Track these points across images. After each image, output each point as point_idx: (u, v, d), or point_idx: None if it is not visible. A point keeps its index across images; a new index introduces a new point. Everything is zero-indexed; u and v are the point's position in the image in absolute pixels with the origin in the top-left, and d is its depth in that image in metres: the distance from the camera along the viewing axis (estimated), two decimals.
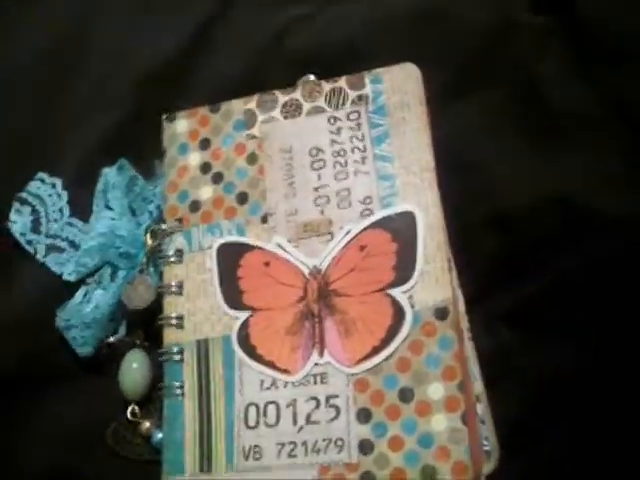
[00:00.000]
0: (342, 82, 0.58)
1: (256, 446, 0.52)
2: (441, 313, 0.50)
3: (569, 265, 0.55)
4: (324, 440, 0.50)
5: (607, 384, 0.52)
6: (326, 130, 0.57)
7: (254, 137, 0.59)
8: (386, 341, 0.51)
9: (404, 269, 0.52)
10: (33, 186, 0.64)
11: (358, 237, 0.54)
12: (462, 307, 0.54)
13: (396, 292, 0.52)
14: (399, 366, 0.50)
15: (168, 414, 0.55)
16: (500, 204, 0.58)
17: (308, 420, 0.51)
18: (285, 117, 0.59)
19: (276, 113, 0.59)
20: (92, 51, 0.70)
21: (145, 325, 0.59)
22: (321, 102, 0.58)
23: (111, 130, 0.66)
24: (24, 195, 0.64)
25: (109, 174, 0.62)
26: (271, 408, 0.52)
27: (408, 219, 0.53)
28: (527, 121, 0.60)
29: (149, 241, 0.59)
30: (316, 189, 0.56)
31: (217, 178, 0.58)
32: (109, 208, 0.61)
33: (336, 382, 0.51)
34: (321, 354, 0.52)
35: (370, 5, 0.66)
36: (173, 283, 0.57)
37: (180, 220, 0.58)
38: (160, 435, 0.56)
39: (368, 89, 0.57)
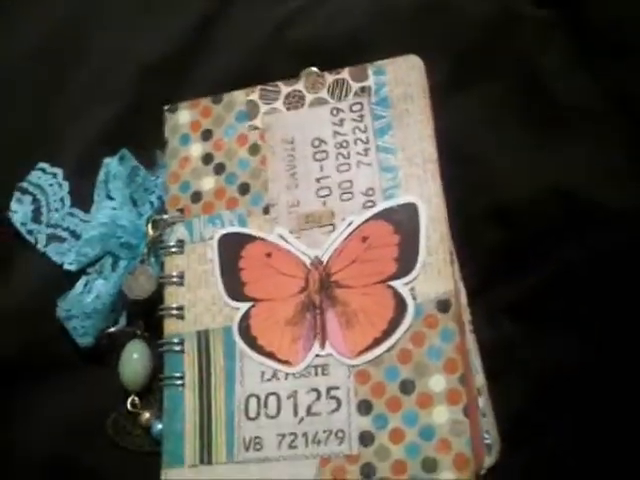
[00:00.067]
0: (345, 74, 0.58)
1: (256, 437, 0.52)
2: (443, 305, 0.50)
3: (571, 258, 0.55)
4: (325, 432, 0.50)
5: (609, 376, 0.52)
6: (329, 121, 0.57)
7: (256, 128, 0.59)
8: (388, 333, 0.51)
9: (406, 261, 0.52)
10: (34, 176, 0.64)
11: (360, 228, 0.54)
12: (464, 299, 0.54)
13: (398, 284, 0.52)
14: (400, 358, 0.50)
15: (168, 405, 0.55)
16: (501, 197, 0.58)
17: (309, 411, 0.51)
18: (288, 108, 0.58)
19: (279, 104, 0.59)
20: (93, 45, 0.70)
21: (146, 315, 0.59)
22: (324, 93, 0.58)
23: (111, 122, 0.66)
24: (25, 185, 0.64)
25: (110, 164, 0.62)
26: (272, 399, 0.52)
27: (410, 211, 0.53)
28: (529, 114, 0.60)
29: (150, 231, 0.59)
30: (318, 180, 0.56)
31: (219, 169, 0.58)
32: (110, 198, 0.61)
33: (337, 373, 0.51)
34: (322, 345, 0.52)
35: None
36: (174, 273, 0.57)
37: (182, 210, 0.58)
38: (160, 426, 0.56)
39: (371, 81, 0.57)
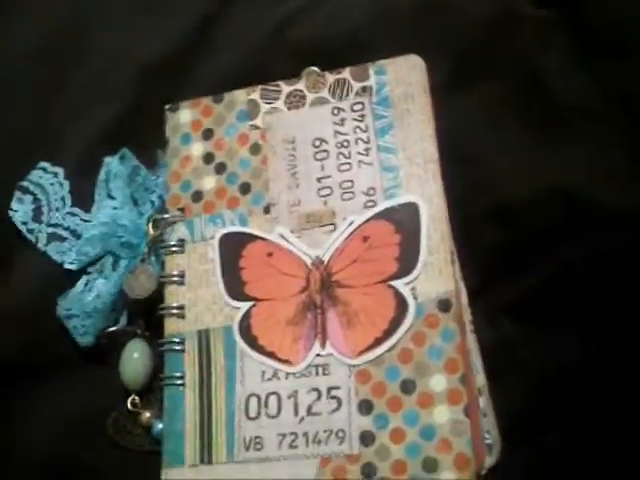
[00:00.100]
0: (346, 73, 0.58)
1: (257, 437, 0.52)
2: (444, 305, 0.50)
3: (571, 258, 0.55)
4: (325, 431, 0.50)
5: (609, 376, 0.52)
6: (330, 121, 0.57)
7: (257, 127, 0.59)
8: (388, 332, 0.51)
9: (407, 260, 0.52)
10: (35, 175, 0.64)
11: (361, 228, 0.54)
12: (465, 299, 0.54)
13: (399, 283, 0.52)
14: (401, 358, 0.50)
15: (168, 404, 0.55)
16: (501, 197, 0.58)
17: (309, 411, 0.51)
18: (289, 108, 0.58)
19: (279, 104, 0.59)
20: (93, 45, 0.70)
21: (146, 315, 0.59)
22: (325, 93, 0.58)
23: (112, 122, 0.66)
24: (26, 184, 0.64)
25: (111, 164, 0.62)
26: (272, 399, 0.52)
27: (411, 210, 0.53)
28: (529, 114, 0.60)
29: (151, 231, 0.59)
30: (319, 180, 0.56)
31: (220, 168, 0.58)
32: (111, 197, 0.61)
33: (338, 373, 0.51)
34: (323, 345, 0.52)
35: None
36: (175, 273, 0.57)
37: (182, 210, 0.58)
38: (160, 425, 0.56)
39: (372, 80, 0.57)
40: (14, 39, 0.71)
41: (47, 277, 0.61)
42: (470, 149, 0.59)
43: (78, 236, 0.61)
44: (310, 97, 0.58)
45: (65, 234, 0.61)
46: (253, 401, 0.53)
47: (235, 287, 0.55)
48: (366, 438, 0.49)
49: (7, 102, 0.69)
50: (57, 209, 0.62)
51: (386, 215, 0.54)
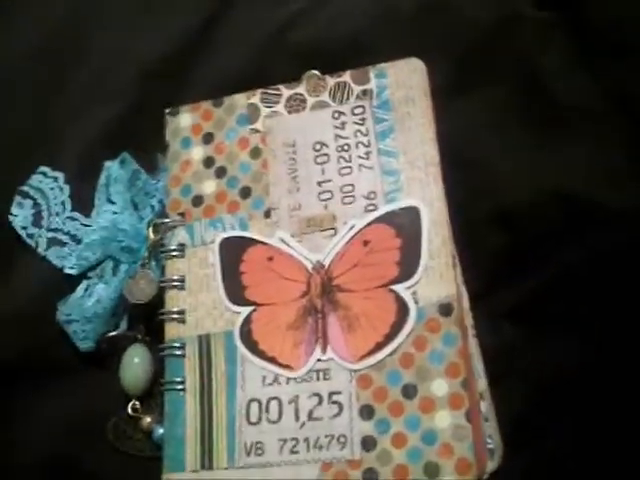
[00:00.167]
0: (346, 77, 0.58)
1: (258, 442, 0.52)
2: (445, 309, 0.50)
3: (572, 260, 0.55)
4: (326, 436, 0.50)
5: (610, 379, 0.52)
6: (330, 125, 0.57)
7: (257, 131, 0.58)
8: (390, 337, 0.51)
9: (408, 265, 0.52)
10: (35, 179, 0.64)
11: (362, 232, 0.54)
12: (466, 304, 0.54)
13: (400, 288, 0.52)
14: (402, 362, 0.50)
15: (169, 410, 0.55)
16: (503, 200, 0.58)
17: (310, 416, 0.51)
18: (289, 111, 0.58)
19: (280, 107, 0.59)
20: (93, 45, 0.70)
21: (146, 320, 0.59)
22: (325, 97, 0.58)
23: (112, 123, 0.66)
24: (26, 188, 0.63)
25: (111, 168, 0.62)
26: (273, 404, 0.52)
27: (412, 214, 0.53)
28: (529, 115, 0.60)
29: (151, 235, 0.59)
30: (320, 184, 0.56)
31: (220, 172, 0.58)
32: (111, 202, 0.61)
33: (339, 378, 0.51)
34: (324, 350, 0.52)
35: None
36: (175, 277, 0.57)
37: (183, 214, 0.58)
38: (161, 431, 0.56)
39: (373, 84, 0.57)
40: (14, 39, 0.71)
41: (47, 282, 0.61)
42: (471, 152, 0.59)
43: (78, 241, 0.61)
44: (310, 101, 0.58)
45: (65, 239, 0.61)
46: (254, 406, 0.52)
47: (235, 292, 0.55)
48: (367, 443, 0.49)
49: (7, 102, 0.69)
50: (57, 214, 0.62)
51: (387, 219, 0.53)
